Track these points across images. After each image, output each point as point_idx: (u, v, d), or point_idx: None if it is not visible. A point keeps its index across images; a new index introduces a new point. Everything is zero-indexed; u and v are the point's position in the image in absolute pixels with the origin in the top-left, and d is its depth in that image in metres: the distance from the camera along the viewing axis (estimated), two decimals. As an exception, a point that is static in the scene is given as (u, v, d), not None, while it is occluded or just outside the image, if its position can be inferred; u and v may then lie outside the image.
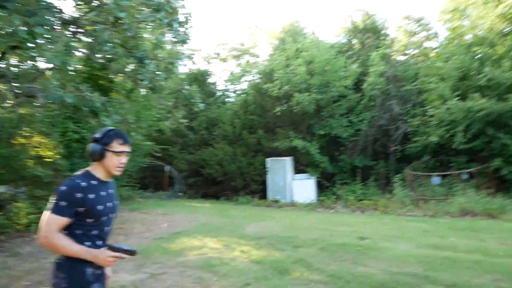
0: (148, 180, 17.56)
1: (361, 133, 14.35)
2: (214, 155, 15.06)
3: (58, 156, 8.32)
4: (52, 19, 5.25)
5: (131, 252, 1.92)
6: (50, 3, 5.56)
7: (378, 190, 13.24)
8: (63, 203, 1.84)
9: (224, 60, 27.60)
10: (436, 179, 11.72)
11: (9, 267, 5.29)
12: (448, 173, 11.74)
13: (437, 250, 5.68)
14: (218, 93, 21.85)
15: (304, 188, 13.60)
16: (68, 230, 1.91)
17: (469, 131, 11.01)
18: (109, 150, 1.98)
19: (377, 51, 14.73)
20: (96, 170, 2.02)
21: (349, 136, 14.32)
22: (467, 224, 8.12)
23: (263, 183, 14.55)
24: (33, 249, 6.28)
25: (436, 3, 34.93)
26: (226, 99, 21.72)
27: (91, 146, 1.98)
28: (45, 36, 4.83)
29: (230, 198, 14.95)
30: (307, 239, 6.52)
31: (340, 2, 43.14)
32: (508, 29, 11.76)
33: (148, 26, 7.99)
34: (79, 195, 1.87)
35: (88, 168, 2.03)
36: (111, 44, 6.04)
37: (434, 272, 4.60)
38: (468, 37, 13.12)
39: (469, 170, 11.19)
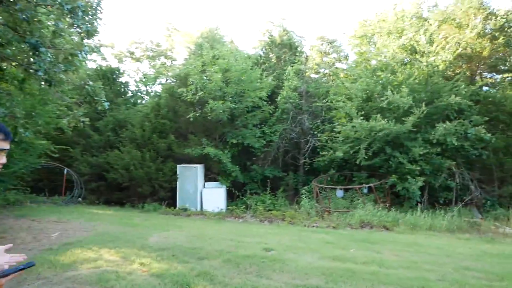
0: (44, 183, 15.80)
1: (273, 145, 14.69)
2: (120, 159, 14.11)
3: None
4: None
5: (30, 267, 1.71)
6: None
7: (286, 201, 13.62)
8: None
9: (138, 59, 26.45)
10: (340, 192, 12.43)
11: None
12: (350, 187, 12.56)
13: (338, 262, 5.86)
14: (129, 94, 20.74)
15: (214, 196, 13.41)
16: None
17: (371, 148, 11.93)
18: None
19: (292, 66, 15.33)
20: None
21: (261, 147, 14.54)
22: (366, 236, 8.65)
23: (172, 190, 14.03)
24: None
25: (348, 27, 37.89)
26: (138, 101, 20.72)
27: None
28: None
29: (135, 205, 14.10)
30: (213, 250, 6.30)
31: (260, 15, 44.39)
32: (407, 59, 13.07)
33: (47, 11, 7.15)
34: None
35: None
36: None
37: (335, 284, 4.70)
38: (374, 62, 14.32)
39: (368, 185, 12.08)
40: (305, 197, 12.37)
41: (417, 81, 12.14)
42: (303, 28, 32.56)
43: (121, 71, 20.09)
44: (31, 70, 7.45)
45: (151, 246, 6.63)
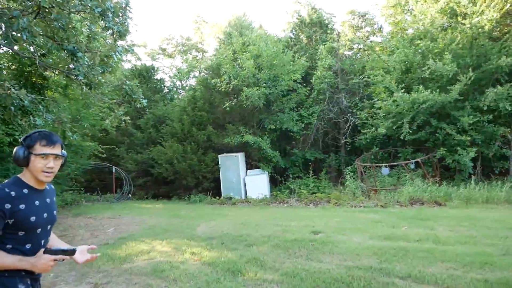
0: (95, 182, 16.67)
1: (311, 127, 14.48)
2: (163, 154, 14.51)
3: (-14, 162, 7.60)
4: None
5: (71, 252, 1.83)
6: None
7: (330, 183, 13.43)
8: None
9: (170, 55, 26.91)
10: (385, 170, 12.06)
11: None
12: (396, 163, 12.11)
13: (389, 241, 5.71)
14: (165, 90, 21.21)
15: (257, 183, 13.48)
16: None
17: (415, 122, 11.41)
18: (32, 153, 1.77)
19: (324, 45, 14.92)
20: (26, 177, 1.81)
21: (299, 130, 14.38)
22: (416, 213, 8.32)
23: (216, 180, 14.26)
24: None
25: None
26: (174, 96, 21.15)
27: (14, 150, 1.78)
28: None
29: (182, 198, 14.50)
30: (260, 236, 6.34)
31: (286, -3, 43.57)
32: (447, 24, 12.30)
33: (79, 16, 7.38)
34: (7, 206, 1.68)
35: (19, 175, 1.82)
36: (30, 34, 5.43)
37: (389, 264, 4.58)
38: (410, 31, 13.62)
39: (415, 160, 11.61)
40: (350, 177, 12.11)
41: (460, 46, 11.39)
42: (332, 4, 31.63)
43: (156, 68, 20.56)
44: (72, 76, 7.75)
45: (200, 235, 6.79)
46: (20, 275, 1.75)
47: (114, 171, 15.62)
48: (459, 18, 11.79)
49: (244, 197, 13.45)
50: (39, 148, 1.80)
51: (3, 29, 6.91)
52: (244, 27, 20.07)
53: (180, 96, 21.17)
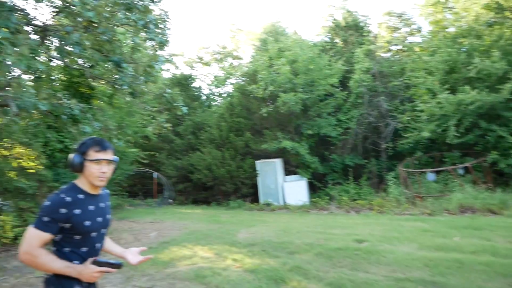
0: (137, 187, 17.20)
1: (350, 131, 14.17)
2: (202, 160, 14.72)
3: (41, 167, 8.06)
4: (15, 21, 4.90)
5: (117, 266, 1.83)
6: (14, 4, 5.21)
7: (371, 189, 13.04)
8: (46, 219, 1.74)
9: (207, 64, 27.35)
10: (431, 175, 11.52)
11: None
12: (442, 168, 11.50)
13: (441, 252, 5.39)
14: (203, 97, 21.58)
15: (296, 189, 13.34)
16: (56, 247, 1.79)
17: (461, 124, 10.80)
18: (86, 159, 1.86)
19: (361, 47, 14.61)
20: (82, 182, 1.89)
21: (338, 135, 14.11)
22: (469, 222, 7.76)
23: (254, 186, 14.26)
24: (19, 263, 5.98)
25: (417, -1, 35.16)
26: (212, 103, 21.46)
27: (70, 157, 1.87)
28: (9, 39, 4.48)
29: (221, 203, 14.63)
30: (302, 244, 6.23)
31: (320, 1, 43.27)
32: (493, 20, 11.68)
33: (123, 29, 7.67)
34: (63, 210, 1.75)
35: (74, 181, 1.90)
36: (82, 47, 5.69)
37: (442, 277, 4.32)
38: (452, 29, 13.05)
39: (464, 165, 10.97)
40: (392, 183, 11.68)
41: (510, 42, 10.76)
42: (367, 7, 31.07)
43: (193, 76, 20.99)
44: (116, 86, 8.05)
45: (240, 242, 6.78)
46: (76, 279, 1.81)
47: (155, 176, 16.02)
48: (507, 13, 11.16)
49: (283, 203, 13.35)
50: (92, 154, 1.86)
51: (58, 44, 7.30)
52: (279, 33, 20.09)
53: (217, 103, 21.46)
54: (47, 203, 1.75)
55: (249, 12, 44.69)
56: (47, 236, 1.73)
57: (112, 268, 1.83)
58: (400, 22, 17.82)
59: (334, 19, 17.83)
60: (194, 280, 4.72)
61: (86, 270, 1.77)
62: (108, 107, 11.40)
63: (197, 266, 5.29)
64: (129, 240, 7.69)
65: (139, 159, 13.61)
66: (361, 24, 17.31)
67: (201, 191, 15.69)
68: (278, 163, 13.90)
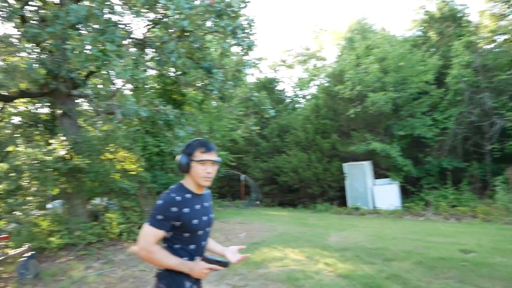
0: (225, 189, 17.88)
1: (448, 132, 12.99)
2: (288, 162, 14.77)
3: (141, 169, 8.76)
4: (120, 35, 5.38)
5: (225, 264, 1.90)
6: (118, 20, 5.73)
7: (473, 195, 11.81)
8: (159, 217, 1.82)
9: (290, 66, 27.46)
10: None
11: (105, 274, 5.63)
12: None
13: None
14: (287, 100, 21.69)
15: (386, 194, 12.68)
16: (168, 244, 1.91)
17: None
18: (193, 160, 1.93)
19: (460, 40, 13.37)
20: (188, 182, 1.97)
21: (434, 136, 13.05)
22: None
23: (341, 189, 13.89)
24: (124, 257, 6.60)
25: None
26: (296, 105, 21.47)
27: (179, 158, 1.95)
28: (115, 51, 4.94)
29: (307, 206, 14.50)
30: (399, 251, 5.87)
31: (410, -5, 40.77)
32: None
33: (211, 36, 8.03)
34: (174, 209, 1.83)
35: (181, 181, 1.98)
36: (177, 55, 6.07)
37: None
38: None
39: None
40: (500, 189, 10.44)
41: None
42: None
43: (277, 79, 21.21)
44: (207, 91, 8.47)
45: (331, 246, 6.62)
46: (186, 274, 1.89)
47: (242, 178, 16.48)
48: None
49: (372, 207, 12.78)
50: (198, 155, 1.93)
51: (154, 54, 7.91)
52: (366, 30, 19.42)
53: (301, 105, 21.40)
54: (159, 202, 1.84)
55: (333, 11, 43.91)
56: (161, 233, 1.83)
57: (220, 266, 1.89)
58: (508, 8, 15.95)
59: (427, 11, 16.63)
60: (286, 282, 4.71)
61: (197, 267, 1.85)
62: (198, 112, 12.06)
63: (289, 268, 5.27)
64: (221, 240, 7.96)
65: (228, 162, 14.13)
66: (459, 14, 15.87)
67: (287, 193, 15.73)
68: (367, 165, 13.35)
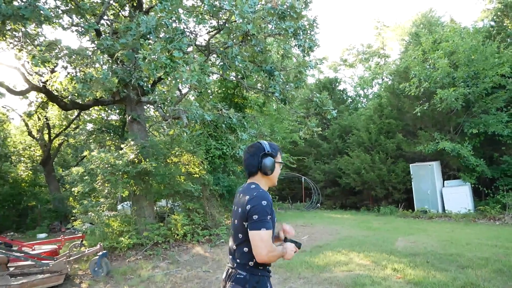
0: (286, 191, 17.91)
1: (527, 128, 11.90)
2: (350, 164, 14.44)
3: (204, 172, 9.04)
4: (186, 43, 5.63)
5: (300, 245, 2.01)
6: (185, 28, 6.00)
7: (556, 197, 10.71)
8: (269, 217, 1.82)
9: (351, 65, 26.85)
10: None
11: (171, 273, 5.88)
12: None
13: None
14: (349, 100, 21.22)
15: (457, 196, 11.90)
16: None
17: None
18: (277, 162, 2.01)
19: (543, 27, 12.20)
20: (262, 183, 2.00)
21: (510, 134, 12.02)
22: None
23: (407, 191, 13.29)
24: (189, 257, 6.86)
25: None
26: (358, 105, 20.94)
27: (268, 160, 1.96)
28: (182, 58, 5.17)
29: (371, 209, 14.07)
30: (475, 258, 5.49)
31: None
32: None
33: (273, 38, 8.09)
34: (271, 207, 1.88)
35: (256, 182, 1.99)
36: (241, 58, 6.20)
37: None
38: None
39: None
40: None
41: None
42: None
43: (338, 79, 20.83)
44: (268, 94, 8.56)
45: (399, 251, 6.37)
46: (268, 275, 1.93)
47: (303, 180, 16.40)
48: None
49: (442, 211, 12.08)
50: (279, 157, 2.03)
51: (216, 59, 8.16)
52: (432, 23, 18.40)
53: (364, 105, 20.83)
54: (264, 202, 1.82)
55: (396, 6, 42.16)
56: (272, 231, 1.86)
57: (297, 247, 1.98)
58: None
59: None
60: None
61: (290, 248, 1.90)
62: (259, 114, 12.23)
63: (355, 273, 5.15)
64: (284, 242, 7.98)
65: (288, 164, 14.14)
66: (538, 0, 14.48)
67: (350, 195, 15.39)
68: (435, 166, 12.64)
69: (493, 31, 14.60)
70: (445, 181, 12.74)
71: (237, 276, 1.88)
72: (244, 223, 1.85)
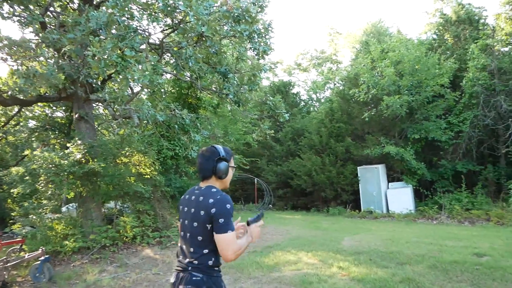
0: (239, 192, 17.97)
1: (462, 135, 12.90)
2: (302, 166, 14.82)
3: (155, 173, 8.83)
4: (139, 41, 5.53)
5: (262, 215, 2.10)
6: (138, 26, 5.89)
7: (487, 198, 11.69)
8: (231, 219, 1.88)
9: (305, 70, 27.49)
10: None
11: (119, 277, 5.68)
12: None
13: None
14: (302, 103, 21.73)
15: (400, 197, 12.63)
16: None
17: None
18: (230, 166, 2.06)
19: (476, 43, 13.26)
20: (215, 186, 2.03)
21: (448, 139, 12.97)
22: None
23: (355, 193, 13.88)
24: (138, 260, 6.68)
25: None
26: (310, 109, 21.50)
27: (222, 165, 2.01)
28: (134, 57, 5.07)
29: (320, 210, 14.52)
30: (412, 255, 5.88)
31: (425, -3, 40.43)
32: None
33: (229, 41, 8.13)
34: (233, 209, 1.92)
35: (212, 185, 2.02)
36: (195, 60, 6.17)
37: None
38: None
39: None
40: (515, 192, 10.35)
41: None
42: (482, -3, 27.83)
43: (292, 83, 21.28)
44: (222, 95, 8.59)
45: (345, 249, 6.66)
46: (221, 276, 1.97)
47: (256, 182, 16.56)
48: None
49: (386, 211, 12.75)
50: (232, 162, 2.10)
51: (170, 59, 8.05)
52: (381, 33, 19.37)
53: (316, 109, 21.42)
54: (228, 205, 1.87)
55: (348, 14, 43.78)
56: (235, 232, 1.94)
57: (260, 220, 2.07)
58: (524, 11, 15.70)
59: (443, 14, 16.51)
60: (300, 286, 4.74)
61: (254, 230, 1.99)
62: (213, 116, 12.20)
63: (303, 272, 5.32)
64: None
65: (241, 165, 14.24)
66: (476, 17, 15.71)
67: (301, 197, 15.77)
68: (380, 169, 13.32)
69: (435, 44, 15.64)
70: (389, 183, 13.46)
71: (193, 278, 1.88)
72: (207, 225, 1.86)
